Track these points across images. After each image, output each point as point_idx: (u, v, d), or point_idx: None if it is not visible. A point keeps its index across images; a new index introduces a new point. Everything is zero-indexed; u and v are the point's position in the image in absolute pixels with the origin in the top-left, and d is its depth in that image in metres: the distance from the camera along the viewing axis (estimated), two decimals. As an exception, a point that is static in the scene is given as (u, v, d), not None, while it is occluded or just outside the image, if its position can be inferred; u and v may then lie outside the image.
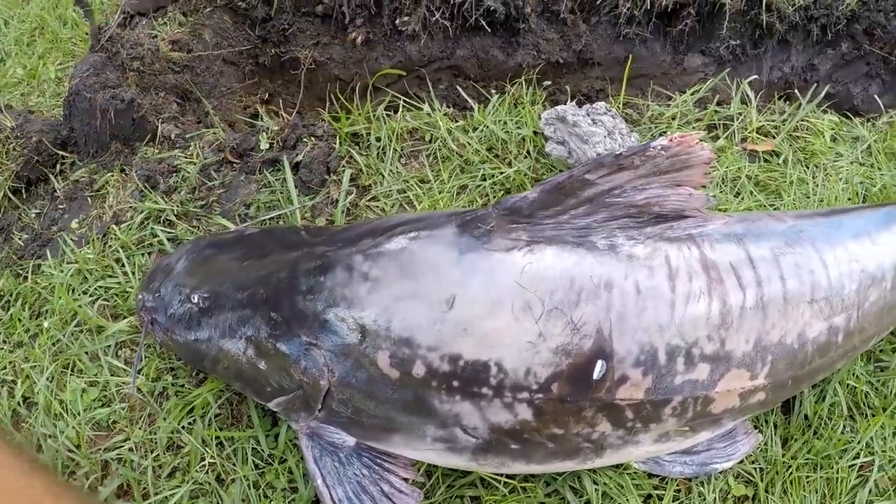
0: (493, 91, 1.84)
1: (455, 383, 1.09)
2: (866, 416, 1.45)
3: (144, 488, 1.28)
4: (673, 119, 1.77)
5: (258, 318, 1.19)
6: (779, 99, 1.96)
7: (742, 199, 1.63)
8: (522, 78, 1.82)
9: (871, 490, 1.37)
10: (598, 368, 1.08)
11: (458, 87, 1.89)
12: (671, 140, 1.10)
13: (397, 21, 1.88)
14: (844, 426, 1.43)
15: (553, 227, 1.12)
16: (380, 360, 1.10)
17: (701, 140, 1.12)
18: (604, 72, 1.94)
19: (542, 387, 1.08)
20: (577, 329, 1.08)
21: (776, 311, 1.18)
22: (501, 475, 1.24)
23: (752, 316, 1.16)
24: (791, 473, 1.36)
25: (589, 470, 1.28)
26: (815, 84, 2.04)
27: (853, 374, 1.47)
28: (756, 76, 1.94)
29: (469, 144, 1.63)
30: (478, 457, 1.16)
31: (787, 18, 1.94)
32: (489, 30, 1.87)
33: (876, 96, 2.01)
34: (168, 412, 1.33)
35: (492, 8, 1.82)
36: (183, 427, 1.32)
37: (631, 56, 1.88)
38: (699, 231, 1.20)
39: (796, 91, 1.97)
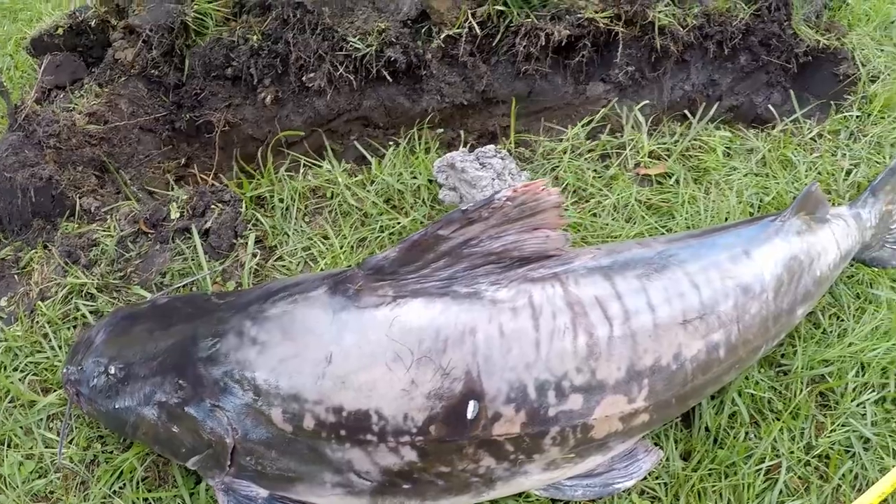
0: (402, 138, 1.90)
1: (342, 432, 1.15)
2: (770, 421, 1.49)
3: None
4: (564, 153, 1.82)
5: (167, 384, 1.25)
6: (683, 116, 2.01)
7: (635, 223, 1.67)
8: (415, 128, 1.87)
9: (781, 491, 1.41)
10: (472, 408, 1.14)
11: (356, 143, 1.94)
12: (515, 190, 1.15)
13: (304, 78, 1.94)
14: (747, 433, 1.47)
15: (416, 282, 1.18)
16: (274, 417, 1.16)
17: (546, 187, 1.17)
18: (509, 109, 1.99)
19: (421, 429, 1.15)
20: (446, 374, 1.13)
21: (646, 336, 1.23)
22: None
23: (621, 344, 1.21)
24: (694, 485, 1.39)
25: (490, 502, 1.32)
26: (719, 98, 2.10)
27: (754, 382, 1.52)
28: (647, 101, 2.00)
29: (367, 198, 1.69)
30: (376, 498, 1.22)
31: (681, 39, 2.00)
32: (392, 79, 1.93)
33: (771, 106, 2.06)
34: (98, 479, 1.38)
35: (392, 58, 1.88)
36: (114, 492, 1.37)
37: (517, 96, 1.94)
38: (564, 269, 1.25)
39: (700, 107, 2.02)
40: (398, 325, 1.15)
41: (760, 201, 1.78)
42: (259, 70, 1.94)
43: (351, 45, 1.89)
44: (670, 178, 1.79)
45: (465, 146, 1.80)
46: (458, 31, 1.93)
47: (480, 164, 1.57)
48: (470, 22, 1.92)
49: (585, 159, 1.84)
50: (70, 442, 1.43)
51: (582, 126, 1.90)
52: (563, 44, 1.94)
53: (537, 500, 1.34)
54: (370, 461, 1.17)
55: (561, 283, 1.23)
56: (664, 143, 1.87)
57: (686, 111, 2.07)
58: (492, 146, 1.64)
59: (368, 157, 1.82)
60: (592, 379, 1.19)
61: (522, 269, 1.22)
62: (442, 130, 1.97)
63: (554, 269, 1.24)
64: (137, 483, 1.38)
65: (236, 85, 1.99)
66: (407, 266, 1.19)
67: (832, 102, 2.14)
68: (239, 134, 2.00)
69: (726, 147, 1.89)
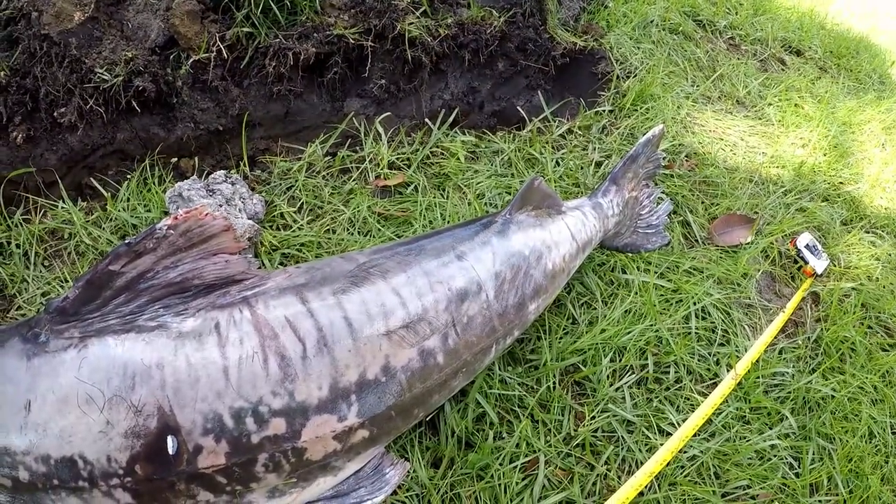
0: (163, 168, 1.87)
1: (55, 482, 1.11)
2: (521, 418, 1.52)
3: None
4: (300, 171, 1.83)
5: None
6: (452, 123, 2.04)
7: (371, 236, 1.70)
8: (147, 161, 1.85)
9: (544, 486, 1.45)
10: (171, 444, 1.12)
11: (91, 178, 1.90)
12: (176, 218, 1.14)
13: (55, 113, 1.88)
14: (498, 433, 1.50)
15: (100, 320, 1.16)
16: None
17: (210, 212, 1.17)
18: (267, 131, 1.99)
19: (127, 470, 1.12)
20: (139, 411, 1.11)
21: (346, 351, 1.24)
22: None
23: (318, 363, 1.21)
24: (446, 493, 1.42)
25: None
26: (480, 105, 2.14)
27: (499, 381, 1.55)
28: (390, 113, 2.02)
29: (101, 236, 1.66)
30: None
31: (433, 50, 2.03)
32: (144, 109, 1.90)
33: (519, 107, 2.12)
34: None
35: (140, 87, 1.85)
36: None
37: (275, 117, 1.93)
38: (255, 292, 1.25)
39: (454, 115, 2.06)
40: (86, 365, 1.12)
41: (503, 201, 1.83)
42: (8, 108, 1.88)
43: (98, 77, 1.85)
44: (409, 186, 1.82)
45: (197, 175, 1.79)
46: (206, 55, 1.91)
47: (209, 191, 1.56)
48: (218, 45, 1.91)
49: (323, 176, 1.85)
50: None
51: (320, 143, 1.91)
52: (312, 62, 1.95)
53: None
54: None
55: (249, 307, 1.22)
56: (404, 153, 1.90)
57: (428, 121, 2.10)
58: (222, 172, 1.63)
59: (104, 192, 1.78)
60: (292, 401, 1.19)
61: (209, 296, 1.21)
62: (188, 158, 1.94)
63: (244, 292, 1.24)
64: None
65: (-15, 123, 1.92)
66: (88, 305, 1.16)
67: (584, 100, 2.21)
68: (-11, 177, 1.93)
69: (470, 151, 1.93)
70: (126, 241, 1.14)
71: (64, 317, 1.17)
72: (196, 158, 1.96)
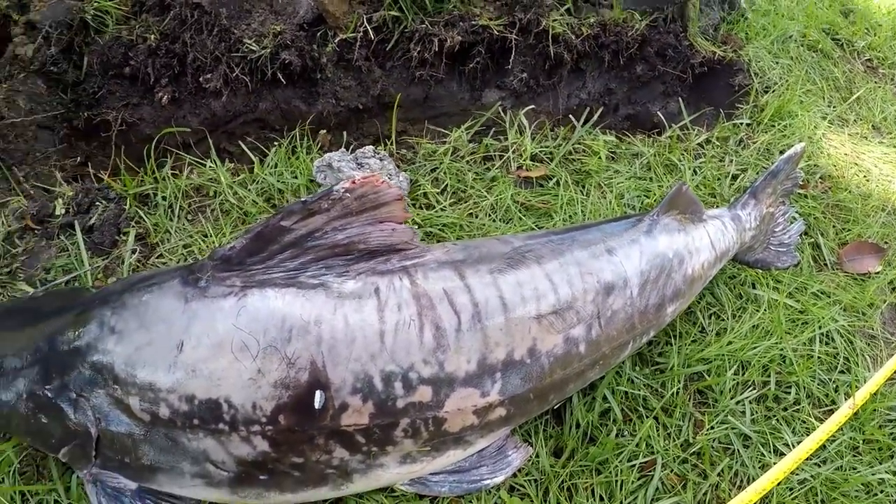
0: (297, 140, 1.91)
1: (196, 421, 1.14)
2: (644, 419, 1.51)
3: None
4: (445, 154, 1.84)
5: (36, 376, 1.23)
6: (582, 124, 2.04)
7: (512, 224, 1.70)
8: (297, 130, 1.87)
9: (657, 488, 1.43)
10: (318, 398, 1.14)
11: (239, 142, 1.94)
12: (354, 182, 1.16)
13: (201, 79, 1.94)
14: (620, 430, 1.49)
15: (263, 272, 1.18)
16: (132, 406, 1.15)
17: (385, 180, 1.18)
18: (405, 114, 2.01)
19: (270, 419, 1.14)
20: (292, 363, 1.13)
21: (497, 329, 1.24)
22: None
23: (470, 337, 1.22)
24: (565, 482, 1.41)
25: (355, 495, 1.33)
26: (615, 107, 2.13)
27: (627, 380, 1.54)
28: (533, 107, 2.02)
29: (247, 197, 1.69)
30: (235, 490, 1.21)
31: (575, 48, 2.03)
32: (288, 82, 1.94)
33: (659, 113, 2.10)
34: (-25, 472, 1.36)
35: (287, 61, 1.89)
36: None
37: (414, 101, 1.96)
38: (414, 263, 1.26)
39: (595, 115, 2.06)
40: (245, 314, 1.14)
41: (641, 203, 1.81)
42: (157, 70, 1.94)
43: (247, 47, 1.90)
44: (551, 180, 1.82)
45: (345, 147, 1.81)
46: (353, 35, 1.94)
47: (358, 164, 1.58)
48: (365, 26, 1.94)
49: (467, 161, 1.86)
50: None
51: (465, 129, 1.92)
52: (456, 50, 1.96)
53: (404, 495, 1.35)
54: (225, 451, 1.16)
55: (409, 277, 1.24)
56: (547, 147, 1.90)
57: (572, 117, 2.09)
58: (370, 147, 1.66)
59: (252, 156, 1.81)
60: (441, 371, 1.20)
61: (370, 261, 1.23)
62: (326, 132, 1.98)
63: (403, 262, 1.25)
64: (14, 477, 1.36)
65: (134, 84, 1.97)
66: (253, 257, 1.19)
67: (721, 110, 2.18)
68: (136, 133, 1.99)
69: (611, 151, 1.92)
70: (301, 199, 1.16)
71: (228, 265, 1.20)
72: (332, 134, 1.99)
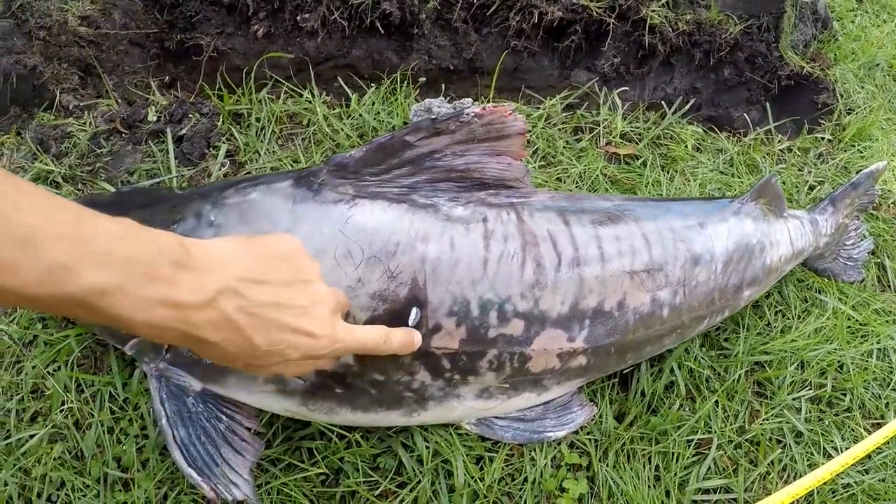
0: (398, 81, 1.93)
1: None
2: (706, 398, 1.53)
3: (8, 431, 1.31)
4: (539, 119, 1.86)
5: None
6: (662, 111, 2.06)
7: (597, 193, 1.71)
8: (398, 73, 1.89)
9: (710, 468, 1.45)
10: (413, 315, 1.14)
11: (339, 78, 1.96)
12: (484, 109, 1.17)
13: (298, 17, 1.95)
14: (682, 405, 1.51)
15: (377, 185, 1.19)
16: None
17: (513, 112, 1.19)
18: (492, 80, 2.02)
19: None
20: (393, 277, 1.14)
21: (593, 277, 1.25)
22: (336, 426, 1.29)
23: (567, 279, 1.23)
24: (625, 446, 1.43)
25: (421, 428, 1.34)
26: (698, 107, 2.14)
27: (694, 358, 1.56)
28: (628, 88, 2.03)
29: (341, 130, 1.71)
30: (307, 401, 1.21)
31: (669, 41, 2.04)
32: (384, 32, 1.96)
33: (745, 115, 2.11)
34: (34, 357, 1.37)
35: (387, 11, 1.91)
36: (48, 371, 1.36)
37: (503, 70, 1.97)
38: (521, 201, 1.27)
39: (685, 107, 2.07)
40: (353, 223, 1.15)
41: (722, 195, 1.82)
42: (255, 2, 1.96)
43: (349, -8, 1.92)
44: (638, 160, 1.83)
45: (444, 97, 1.83)
46: (455, -5, 1.96)
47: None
48: (468, -12, 1.96)
49: (559, 129, 1.87)
50: (11, 321, 1.42)
51: (561, 98, 1.93)
52: (554, 25, 1.98)
53: (467, 434, 1.36)
54: None
55: (516, 212, 1.25)
56: (637, 128, 1.91)
57: (663, 103, 2.11)
58: (469, 99, 1.67)
59: (350, 93, 1.83)
60: (535, 308, 1.21)
61: (481, 192, 1.24)
62: (424, 79, 1.99)
63: (511, 198, 1.27)
64: (73, 365, 1.37)
65: (231, 13, 1.99)
66: (370, 168, 1.20)
67: (806, 122, 2.19)
68: (227, 63, 2.01)
69: (697, 142, 1.93)
70: (431, 117, 1.18)
71: (343, 172, 1.20)
72: (419, 91, 2.01)
